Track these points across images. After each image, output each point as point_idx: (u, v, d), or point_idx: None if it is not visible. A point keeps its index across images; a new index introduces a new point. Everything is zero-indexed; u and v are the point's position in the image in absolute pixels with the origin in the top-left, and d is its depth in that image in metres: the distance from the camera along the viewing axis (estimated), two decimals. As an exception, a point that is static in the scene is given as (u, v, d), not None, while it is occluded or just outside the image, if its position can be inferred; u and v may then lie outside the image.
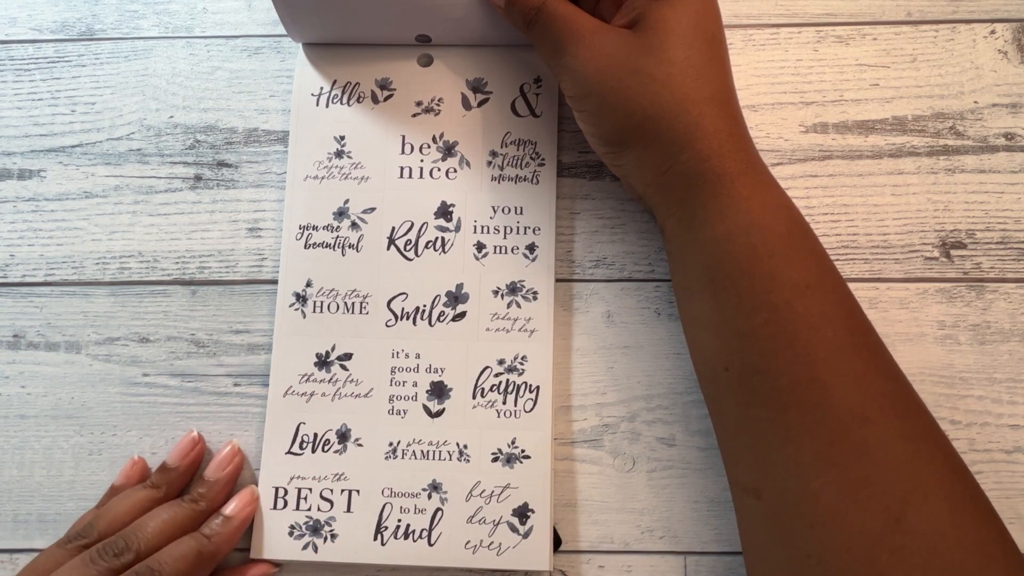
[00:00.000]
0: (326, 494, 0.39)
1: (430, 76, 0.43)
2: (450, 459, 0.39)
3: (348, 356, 0.41)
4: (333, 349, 0.41)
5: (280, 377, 0.41)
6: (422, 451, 0.39)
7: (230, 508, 0.38)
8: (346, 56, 0.44)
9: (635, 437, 0.40)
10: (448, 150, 0.42)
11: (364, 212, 0.42)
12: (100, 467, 0.41)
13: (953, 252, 0.41)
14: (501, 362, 0.40)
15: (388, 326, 0.41)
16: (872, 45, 0.44)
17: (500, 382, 0.40)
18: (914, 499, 0.29)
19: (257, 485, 0.40)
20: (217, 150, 0.44)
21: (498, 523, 0.38)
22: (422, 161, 0.42)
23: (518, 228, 0.41)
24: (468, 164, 0.42)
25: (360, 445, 0.40)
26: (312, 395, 0.40)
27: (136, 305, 0.43)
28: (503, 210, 0.42)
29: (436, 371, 0.40)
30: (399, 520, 0.39)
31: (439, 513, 0.39)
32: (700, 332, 0.35)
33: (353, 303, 0.41)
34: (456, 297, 0.41)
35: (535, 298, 0.41)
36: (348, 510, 0.39)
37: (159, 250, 0.43)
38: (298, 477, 0.39)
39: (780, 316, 0.32)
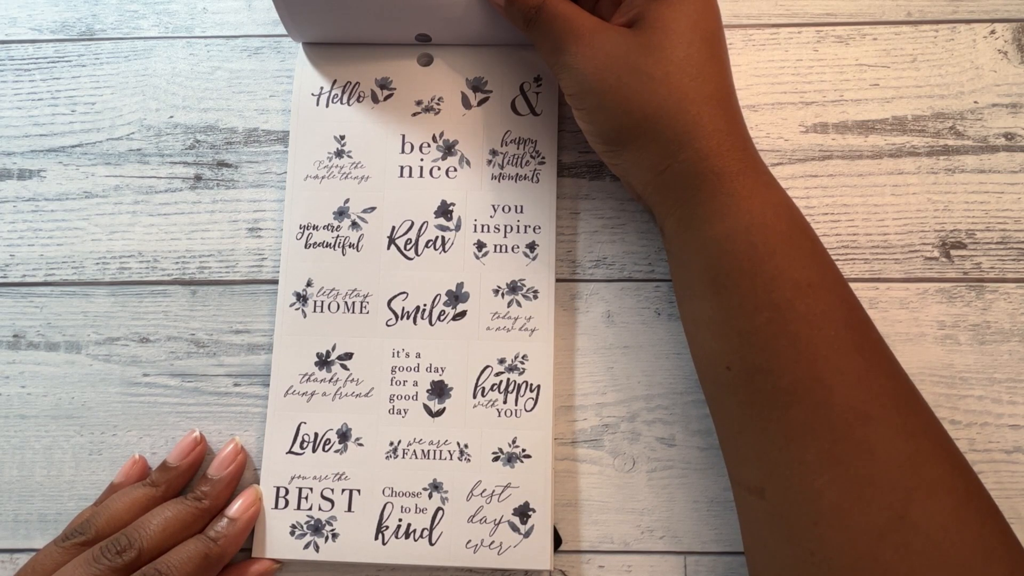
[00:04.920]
0: (327, 494, 0.39)
1: (430, 75, 0.43)
2: (451, 458, 0.39)
3: (348, 356, 0.41)
4: (334, 349, 0.41)
5: (281, 377, 0.41)
6: (423, 450, 0.39)
7: (234, 509, 0.38)
8: (346, 56, 0.44)
9: (635, 437, 0.40)
10: (448, 149, 0.42)
11: (364, 211, 0.42)
12: (100, 467, 0.41)
13: (953, 252, 0.41)
14: (502, 361, 0.40)
15: (388, 325, 0.41)
16: (872, 45, 0.44)
17: (501, 381, 0.40)
18: (917, 496, 0.29)
19: (259, 485, 0.40)
20: (217, 150, 0.44)
21: (499, 522, 0.38)
22: (422, 160, 0.42)
23: (518, 227, 0.41)
24: (468, 163, 0.42)
25: (361, 445, 0.40)
26: (313, 395, 0.40)
27: (136, 305, 0.43)
28: (503, 209, 0.42)
29: (436, 370, 0.40)
30: (400, 519, 0.39)
31: (440, 512, 0.39)
32: (701, 332, 0.35)
33: (353, 302, 0.41)
34: (456, 296, 0.41)
35: (535, 297, 0.41)
36: (349, 509, 0.39)
37: (159, 250, 0.43)
38: (299, 477, 0.39)
39: (782, 315, 0.32)
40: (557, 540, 0.39)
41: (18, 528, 0.41)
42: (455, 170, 0.42)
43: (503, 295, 0.41)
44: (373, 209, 0.42)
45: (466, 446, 0.39)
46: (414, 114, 0.43)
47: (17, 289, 0.43)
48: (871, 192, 0.42)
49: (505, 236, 0.41)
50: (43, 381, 0.42)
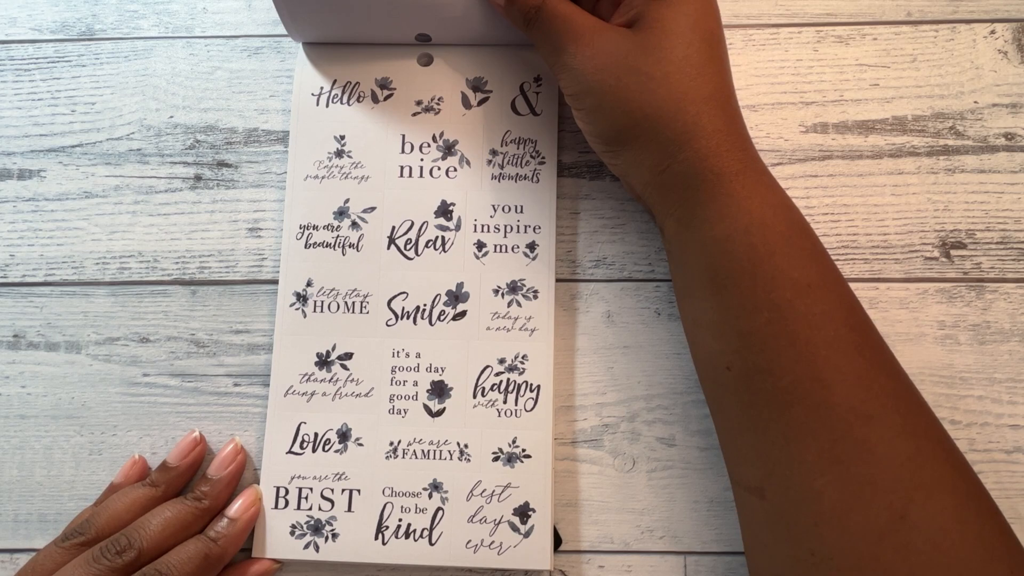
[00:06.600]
0: (327, 494, 0.39)
1: (430, 75, 0.43)
2: (451, 458, 0.39)
3: (349, 356, 0.41)
4: (334, 349, 0.41)
5: (281, 377, 0.41)
6: (423, 450, 0.39)
7: (234, 509, 0.38)
8: (346, 56, 0.44)
9: (635, 437, 0.40)
10: (448, 149, 0.42)
11: (364, 211, 0.42)
12: (100, 467, 0.41)
13: (953, 252, 0.41)
14: (502, 361, 0.40)
15: (388, 325, 0.41)
16: (872, 45, 0.44)
17: (501, 381, 0.40)
18: (918, 496, 0.29)
19: (259, 485, 0.40)
20: (217, 150, 0.44)
21: (499, 522, 0.38)
22: (422, 160, 0.42)
23: (518, 227, 0.41)
24: (468, 163, 0.42)
25: (361, 445, 0.40)
26: (313, 395, 0.40)
27: (136, 305, 0.43)
28: (503, 209, 0.42)
29: (436, 370, 0.40)
30: (400, 519, 0.39)
31: (440, 512, 0.39)
32: (701, 332, 0.35)
33: (353, 302, 0.41)
34: (456, 296, 0.41)
35: (535, 297, 0.41)
36: (349, 509, 0.39)
37: (159, 250, 0.43)
38: (299, 477, 0.39)
39: (782, 315, 0.32)
40: (557, 540, 0.39)
41: (18, 528, 0.41)
42: (455, 170, 0.42)
43: (503, 295, 0.41)
44: (373, 209, 0.42)
45: (466, 446, 0.39)
46: (414, 114, 0.43)
47: (17, 289, 0.43)
48: (871, 192, 0.42)
49: (505, 236, 0.41)
50: (43, 381, 0.42)
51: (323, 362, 0.41)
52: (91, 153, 0.44)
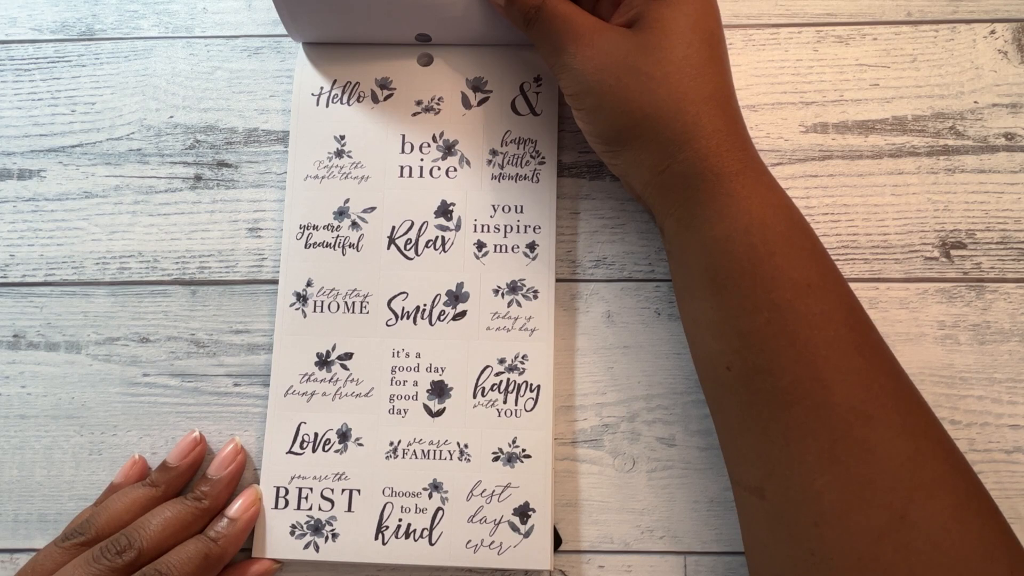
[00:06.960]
0: (327, 494, 0.39)
1: (430, 75, 0.43)
2: (451, 458, 0.39)
3: (349, 356, 0.41)
4: (334, 349, 0.41)
5: (281, 377, 0.41)
6: (423, 450, 0.39)
7: (234, 509, 0.38)
8: (346, 56, 0.44)
9: (635, 437, 0.40)
10: (448, 149, 0.42)
11: (364, 211, 0.42)
12: (100, 467, 0.41)
13: (953, 252, 0.41)
14: (502, 361, 0.40)
15: (388, 325, 0.41)
16: (872, 45, 0.44)
17: (501, 381, 0.40)
18: (917, 496, 0.29)
19: (259, 485, 0.40)
20: (217, 150, 0.44)
21: (499, 522, 0.38)
22: (422, 160, 0.42)
23: (518, 227, 0.41)
24: (468, 163, 0.42)
25: (361, 445, 0.40)
26: (313, 395, 0.40)
27: (136, 305, 0.43)
28: (503, 209, 0.42)
29: (436, 370, 0.40)
30: (400, 519, 0.39)
31: (440, 512, 0.39)
32: (701, 332, 0.35)
33: (353, 302, 0.41)
34: (456, 296, 0.41)
35: (535, 297, 0.41)
36: (349, 509, 0.39)
37: (159, 250, 0.43)
38: (299, 477, 0.39)
39: (782, 315, 0.32)
40: (557, 540, 0.39)
41: (18, 528, 0.41)
42: (455, 170, 0.42)
43: (503, 295, 0.41)
44: (373, 209, 0.42)
45: (466, 446, 0.39)
46: (414, 114, 0.43)
47: (17, 289, 0.43)
48: (871, 192, 0.42)
49: (505, 236, 0.41)
50: (43, 381, 0.42)
51: (323, 362, 0.41)
52: (91, 153, 0.44)
